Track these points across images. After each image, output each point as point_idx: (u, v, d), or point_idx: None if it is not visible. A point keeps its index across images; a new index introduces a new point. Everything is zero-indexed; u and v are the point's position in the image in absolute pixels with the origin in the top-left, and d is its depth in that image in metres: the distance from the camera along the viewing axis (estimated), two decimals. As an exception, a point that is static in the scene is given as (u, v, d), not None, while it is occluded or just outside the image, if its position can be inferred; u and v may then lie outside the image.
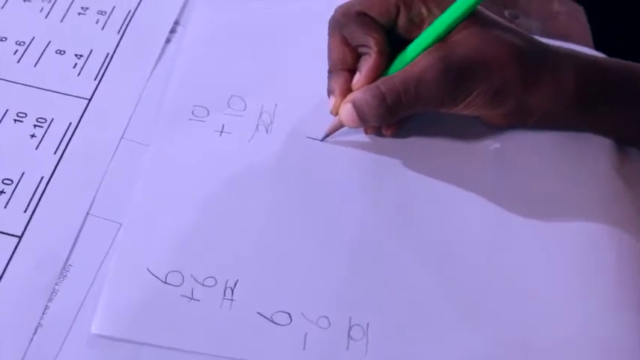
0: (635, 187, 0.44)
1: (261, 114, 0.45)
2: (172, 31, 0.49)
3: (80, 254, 0.38)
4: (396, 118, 0.41)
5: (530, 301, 0.39)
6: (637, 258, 0.41)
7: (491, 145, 0.45)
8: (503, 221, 0.42)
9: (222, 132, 0.44)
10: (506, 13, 0.55)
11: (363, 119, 0.41)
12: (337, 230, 0.40)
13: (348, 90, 0.42)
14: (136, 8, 0.50)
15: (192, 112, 0.45)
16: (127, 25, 0.49)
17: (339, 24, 0.42)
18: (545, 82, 0.41)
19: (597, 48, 0.50)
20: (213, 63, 0.47)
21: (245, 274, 0.38)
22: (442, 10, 0.40)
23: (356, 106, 0.41)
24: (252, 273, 0.38)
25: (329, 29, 0.43)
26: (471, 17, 0.40)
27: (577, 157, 0.45)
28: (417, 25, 0.41)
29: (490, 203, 0.42)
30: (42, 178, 0.41)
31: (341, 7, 0.43)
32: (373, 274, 0.39)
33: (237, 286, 0.37)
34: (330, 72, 0.44)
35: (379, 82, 0.41)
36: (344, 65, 0.43)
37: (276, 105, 0.46)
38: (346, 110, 0.41)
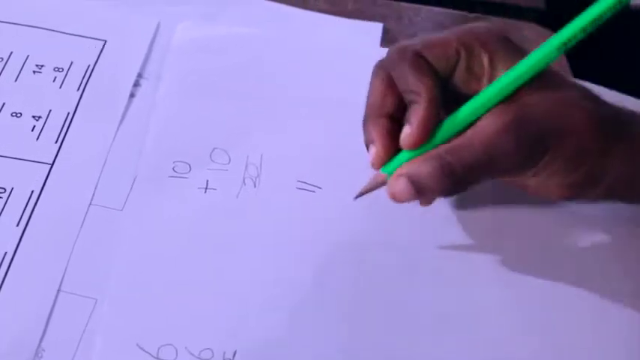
0: None
1: (247, 166, 0.43)
2: (136, 84, 0.46)
3: (54, 336, 0.35)
4: (462, 191, 0.37)
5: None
6: None
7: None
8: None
9: (206, 188, 0.42)
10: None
11: (420, 193, 0.36)
12: (340, 290, 0.38)
13: (389, 139, 0.38)
14: (95, 63, 0.47)
15: (173, 169, 0.42)
16: (87, 81, 0.46)
17: (390, 62, 0.38)
18: (625, 147, 0.37)
19: (575, 74, 0.49)
20: (191, 115, 0.45)
21: (243, 344, 0.36)
22: (506, 66, 0.36)
23: (414, 182, 0.36)
24: (251, 342, 0.36)
25: (375, 67, 0.39)
26: (539, 76, 0.36)
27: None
28: (477, 77, 0.37)
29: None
30: (5, 253, 0.38)
31: (398, 44, 0.38)
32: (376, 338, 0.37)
33: (235, 357, 0.35)
34: (366, 117, 0.39)
35: (441, 150, 0.36)
36: (383, 110, 0.38)
37: (262, 155, 0.43)
38: (400, 186, 0.36)
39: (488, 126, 0.35)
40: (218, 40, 0.49)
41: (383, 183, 0.38)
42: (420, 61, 0.37)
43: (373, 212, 0.41)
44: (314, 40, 0.50)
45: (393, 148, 0.38)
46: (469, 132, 0.36)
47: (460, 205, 0.43)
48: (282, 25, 0.52)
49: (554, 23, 0.37)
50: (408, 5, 0.55)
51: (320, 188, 0.42)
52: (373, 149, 0.38)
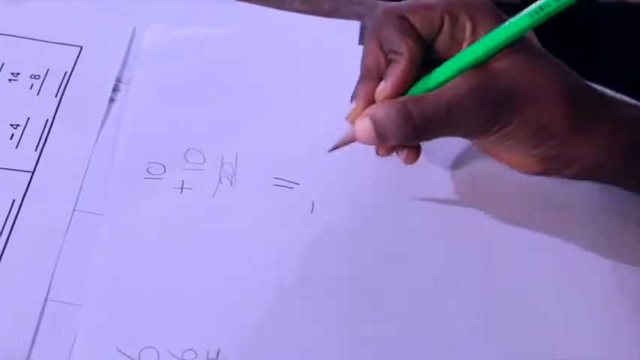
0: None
1: (222, 165, 0.42)
2: (115, 89, 0.46)
3: (43, 347, 0.35)
4: (421, 140, 0.38)
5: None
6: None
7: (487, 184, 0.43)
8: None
9: (182, 188, 0.41)
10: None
11: (381, 137, 0.37)
12: (326, 285, 0.38)
13: (371, 98, 0.39)
14: (73, 68, 0.46)
15: (148, 170, 0.42)
16: (65, 87, 0.45)
17: (379, 24, 0.39)
18: (598, 131, 0.37)
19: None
20: (164, 116, 0.44)
21: (226, 342, 0.35)
22: (488, 31, 0.37)
23: (376, 122, 0.37)
24: (235, 340, 0.36)
25: (368, 31, 0.40)
26: (518, 44, 0.37)
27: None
28: (459, 44, 0.38)
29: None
30: (-11, 265, 0.37)
31: (385, 6, 0.39)
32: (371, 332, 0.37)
33: (219, 356, 0.35)
34: (360, 77, 0.40)
35: (405, 98, 0.37)
36: (377, 73, 0.39)
37: (237, 154, 0.43)
38: (363, 125, 0.37)
39: (454, 86, 0.37)
40: (190, 42, 0.49)
41: (354, 139, 0.39)
42: (404, 23, 0.38)
43: (354, 205, 0.41)
44: (291, 40, 0.50)
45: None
46: (437, 89, 0.37)
47: (446, 193, 0.43)
48: (258, 25, 0.52)
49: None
50: (385, 3, 0.55)
51: (298, 184, 0.42)
52: (353, 104, 0.39)
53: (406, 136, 0.37)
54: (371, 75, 0.39)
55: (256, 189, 0.42)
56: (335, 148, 0.40)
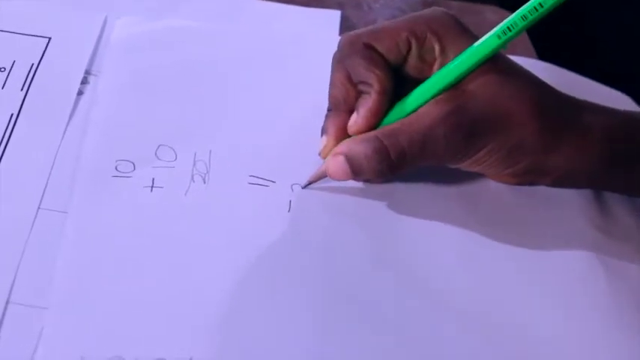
0: (620, 239, 0.41)
1: (195, 163, 0.41)
2: (84, 81, 0.44)
3: (3, 353, 0.33)
4: (396, 173, 0.38)
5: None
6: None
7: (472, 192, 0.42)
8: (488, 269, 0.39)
9: (152, 187, 0.39)
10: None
11: (357, 173, 0.37)
12: (301, 286, 0.37)
13: (343, 133, 0.38)
14: (40, 60, 0.45)
15: (116, 168, 0.40)
16: (32, 80, 0.44)
17: (343, 55, 0.38)
18: (569, 142, 0.37)
19: (540, 56, 0.48)
20: (134, 111, 0.43)
21: (199, 350, 0.34)
22: (456, 51, 0.37)
23: (351, 160, 0.37)
24: (208, 347, 0.34)
25: (333, 60, 0.39)
26: (489, 64, 0.36)
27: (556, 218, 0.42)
28: (429, 65, 0.38)
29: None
30: (-52, 266, 0.35)
31: (348, 35, 0.38)
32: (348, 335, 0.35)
33: None
34: (329, 110, 0.40)
35: (379, 133, 0.37)
36: (346, 105, 0.38)
37: (210, 151, 0.41)
38: (337, 163, 0.37)
39: (427, 114, 0.36)
40: (162, 34, 0.47)
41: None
42: (370, 52, 0.37)
43: (331, 205, 0.40)
44: (268, 32, 0.49)
45: (343, 140, 0.38)
46: (409, 118, 0.37)
47: (427, 191, 0.42)
48: (236, 16, 0.50)
49: (516, 5, 0.36)
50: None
51: (274, 182, 0.41)
52: (324, 140, 0.39)
53: (382, 172, 0.37)
54: (340, 107, 0.39)
55: (231, 187, 0.40)
56: (309, 184, 0.40)
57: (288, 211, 0.39)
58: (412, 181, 0.41)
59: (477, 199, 0.41)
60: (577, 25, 0.55)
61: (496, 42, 0.36)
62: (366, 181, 0.41)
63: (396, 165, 0.37)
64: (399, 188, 0.41)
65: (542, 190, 0.41)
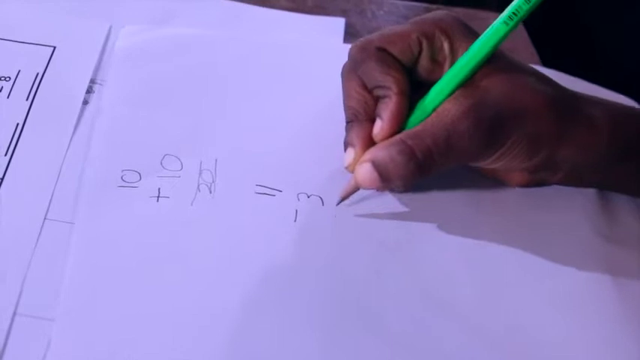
0: (628, 246, 0.41)
1: (200, 172, 0.41)
2: (89, 91, 0.44)
3: (11, 364, 0.33)
4: (425, 176, 0.37)
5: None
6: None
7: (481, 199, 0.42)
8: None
9: (159, 197, 0.39)
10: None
11: (386, 180, 0.36)
12: (307, 296, 0.36)
13: (371, 142, 0.38)
14: (45, 70, 0.45)
15: (122, 178, 0.40)
16: (37, 89, 0.44)
17: (356, 62, 0.38)
18: (579, 132, 0.38)
19: (544, 64, 0.48)
20: (139, 121, 0.43)
21: (204, 358, 0.34)
22: (465, 48, 0.37)
23: (378, 165, 0.36)
24: (213, 355, 0.34)
25: (343, 70, 0.39)
26: (495, 61, 0.37)
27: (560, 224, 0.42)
28: (440, 65, 0.38)
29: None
30: (-45, 277, 0.35)
31: (358, 42, 0.38)
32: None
33: None
34: (350, 122, 0.39)
35: (403, 135, 0.36)
36: (366, 114, 0.38)
37: (216, 160, 0.41)
38: (364, 171, 0.36)
39: (448, 111, 0.36)
40: (167, 42, 0.47)
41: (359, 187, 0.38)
42: (384, 55, 0.37)
43: (339, 213, 0.40)
44: (273, 39, 0.49)
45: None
46: (431, 118, 0.36)
47: (433, 201, 0.41)
48: (241, 23, 0.51)
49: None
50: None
51: (280, 191, 0.40)
52: (352, 152, 0.38)
53: (411, 174, 0.36)
54: (360, 117, 0.38)
55: (237, 197, 0.40)
56: (341, 201, 0.39)
57: (295, 220, 0.39)
58: (417, 191, 0.41)
59: (482, 207, 0.41)
60: (581, 33, 0.55)
61: (504, 29, 0.36)
62: (395, 191, 0.40)
63: (423, 165, 0.36)
64: (404, 197, 0.41)
65: (548, 196, 0.41)
